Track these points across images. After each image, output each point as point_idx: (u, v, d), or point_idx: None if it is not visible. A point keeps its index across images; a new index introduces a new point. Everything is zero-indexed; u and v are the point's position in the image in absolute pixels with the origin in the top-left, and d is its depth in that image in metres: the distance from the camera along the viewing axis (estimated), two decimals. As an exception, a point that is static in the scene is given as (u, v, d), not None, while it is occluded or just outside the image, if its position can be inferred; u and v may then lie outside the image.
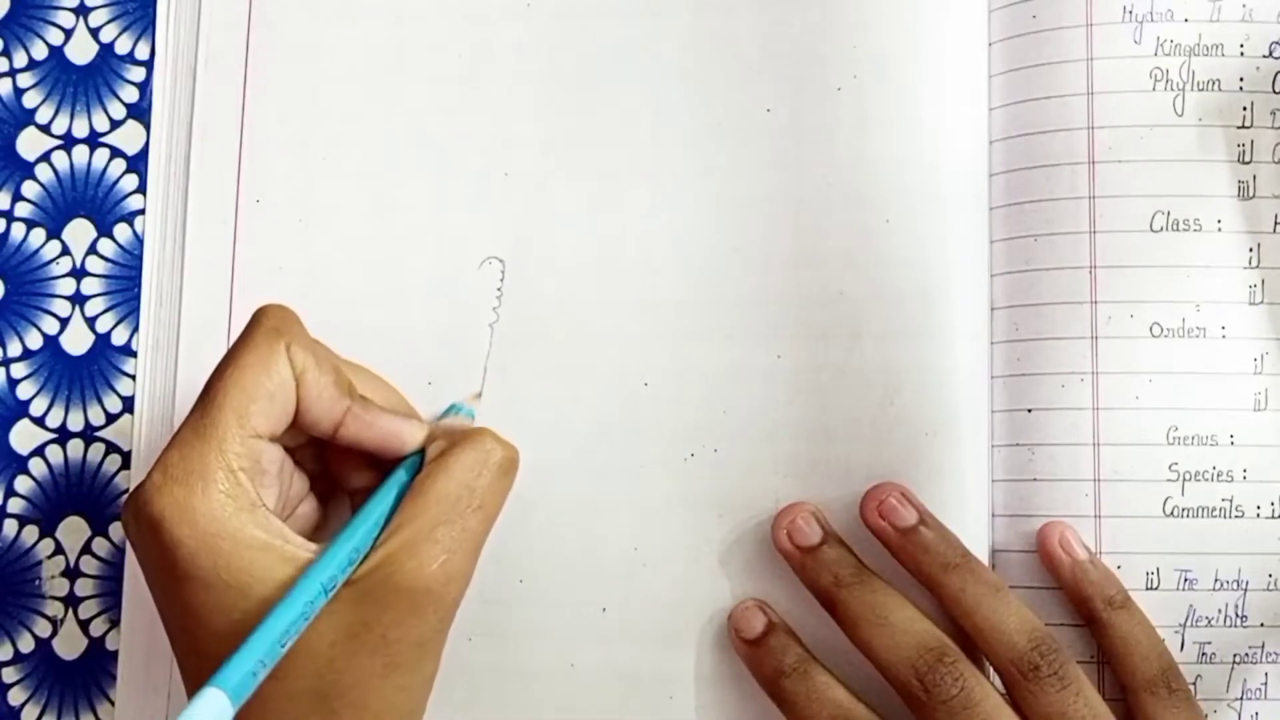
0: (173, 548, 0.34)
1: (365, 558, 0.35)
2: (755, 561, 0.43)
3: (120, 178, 0.47)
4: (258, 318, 0.37)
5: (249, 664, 0.32)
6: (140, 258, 0.46)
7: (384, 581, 0.35)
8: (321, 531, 0.41)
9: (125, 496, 0.40)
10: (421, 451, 0.39)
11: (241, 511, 0.34)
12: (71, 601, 0.45)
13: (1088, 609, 0.40)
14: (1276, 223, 0.42)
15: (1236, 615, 0.41)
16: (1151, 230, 0.42)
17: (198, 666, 0.35)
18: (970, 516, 0.42)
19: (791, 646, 0.41)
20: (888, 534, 0.41)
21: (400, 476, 0.38)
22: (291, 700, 0.34)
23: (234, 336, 0.44)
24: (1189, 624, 0.41)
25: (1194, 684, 0.41)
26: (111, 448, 0.46)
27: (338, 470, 0.40)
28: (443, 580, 0.35)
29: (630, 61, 0.45)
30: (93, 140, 0.47)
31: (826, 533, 0.42)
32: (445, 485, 0.36)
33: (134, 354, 0.46)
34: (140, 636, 0.44)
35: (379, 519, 0.36)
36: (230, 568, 0.34)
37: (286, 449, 0.38)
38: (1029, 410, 0.42)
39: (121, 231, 0.47)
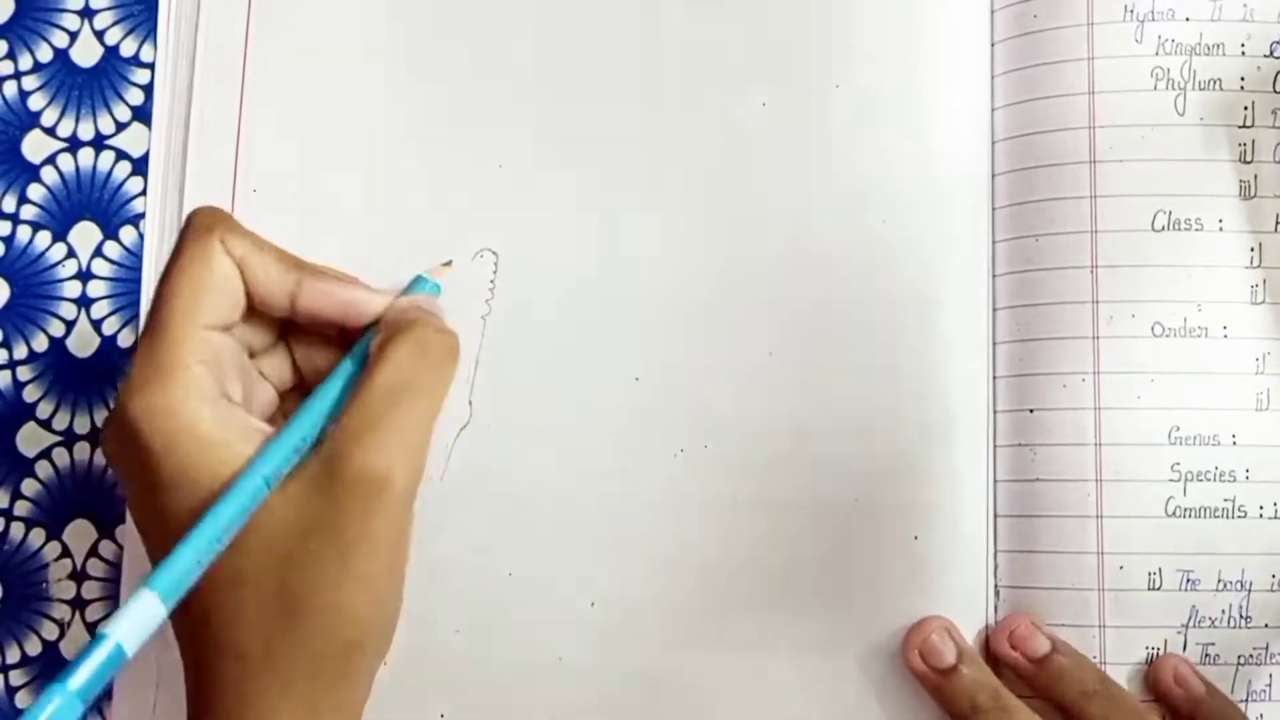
0: (146, 452, 0.34)
1: (314, 449, 0.35)
2: (745, 559, 0.43)
3: (125, 180, 0.47)
4: (189, 221, 0.37)
5: (183, 563, 0.32)
6: (145, 260, 0.46)
7: (331, 474, 0.34)
8: None
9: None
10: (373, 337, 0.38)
11: (204, 403, 0.34)
12: (78, 604, 0.45)
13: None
14: (1278, 222, 0.42)
15: (1240, 616, 0.41)
16: (1153, 230, 0.42)
17: None
18: (970, 517, 0.42)
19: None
20: (1019, 664, 0.40)
21: (346, 367, 0.37)
22: (258, 597, 0.34)
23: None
24: (1192, 625, 0.41)
25: (1197, 685, 0.41)
26: (116, 450, 0.46)
27: (305, 360, 0.40)
28: (387, 468, 0.35)
29: (626, 58, 0.45)
30: (98, 143, 0.47)
31: (961, 650, 0.41)
32: (385, 374, 0.36)
33: (139, 356, 0.46)
34: (145, 637, 0.44)
35: (325, 410, 0.36)
36: (194, 465, 0.34)
37: (254, 357, 0.38)
38: (1031, 410, 0.42)
39: (127, 234, 0.47)
